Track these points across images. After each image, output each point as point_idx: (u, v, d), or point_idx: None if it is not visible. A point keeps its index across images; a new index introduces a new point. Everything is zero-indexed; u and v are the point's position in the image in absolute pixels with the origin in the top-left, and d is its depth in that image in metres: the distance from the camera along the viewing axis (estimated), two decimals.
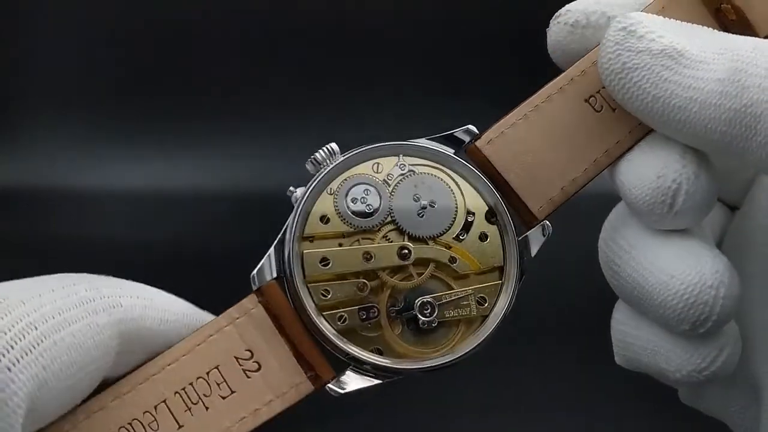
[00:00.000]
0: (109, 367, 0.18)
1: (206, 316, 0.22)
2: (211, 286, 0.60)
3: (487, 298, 0.22)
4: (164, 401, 0.19)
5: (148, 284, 0.20)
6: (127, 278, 0.63)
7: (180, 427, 0.19)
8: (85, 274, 0.18)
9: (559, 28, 0.23)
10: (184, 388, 0.19)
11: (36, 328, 0.15)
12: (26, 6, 0.71)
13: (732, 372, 0.21)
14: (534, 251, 0.23)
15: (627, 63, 0.19)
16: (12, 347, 0.15)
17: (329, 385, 0.21)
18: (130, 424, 0.18)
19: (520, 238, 0.23)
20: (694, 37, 0.19)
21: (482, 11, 0.68)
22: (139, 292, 0.19)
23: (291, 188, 0.24)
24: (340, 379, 0.21)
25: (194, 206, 0.70)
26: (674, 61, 0.18)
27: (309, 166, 0.24)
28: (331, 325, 0.21)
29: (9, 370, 0.14)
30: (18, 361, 0.15)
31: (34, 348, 0.15)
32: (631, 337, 0.23)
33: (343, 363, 0.21)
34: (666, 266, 0.21)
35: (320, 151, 0.24)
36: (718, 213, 0.26)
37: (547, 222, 0.23)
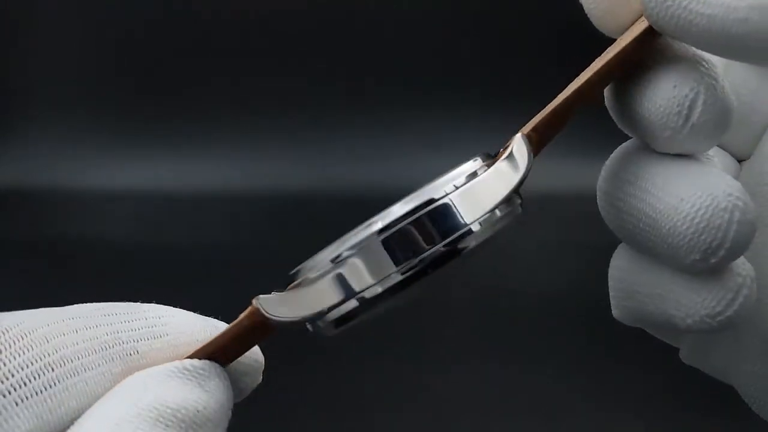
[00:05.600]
0: None
1: (219, 326, 0.22)
2: (213, 286, 0.60)
3: None
4: None
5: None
6: (127, 279, 0.63)
7: None
8: (106, 308, 0.18)
9: None
10: None
11: (52, 370, 0.15)
12: (26, 6, 0.71)
13: (747, 318, 0.20)
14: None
15: None
16: (25, 384, 0.15)
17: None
18: None
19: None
20: None
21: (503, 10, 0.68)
22: (155, 330, 0.19)
23: None
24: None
25: (196, 206, 0.70)
26: None
27: None
28: None
29: (16, 404, 0.14)
30: (27, 398, 0.15)
31: (45, 390, 0.15)
32: (635, 284, 0.21)
33: None
34: (675, 189, 0.19)
35: None
36: (727, 164, 0.24)
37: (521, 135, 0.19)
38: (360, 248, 0.16)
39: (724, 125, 0.20)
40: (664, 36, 0.20)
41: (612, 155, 0.22)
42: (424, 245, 0.16)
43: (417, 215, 0.17)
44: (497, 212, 0.17)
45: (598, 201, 0.22)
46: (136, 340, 0.17)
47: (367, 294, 0.16)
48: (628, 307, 0.22)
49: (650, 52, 0.21)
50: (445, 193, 0.17)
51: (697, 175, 0.19)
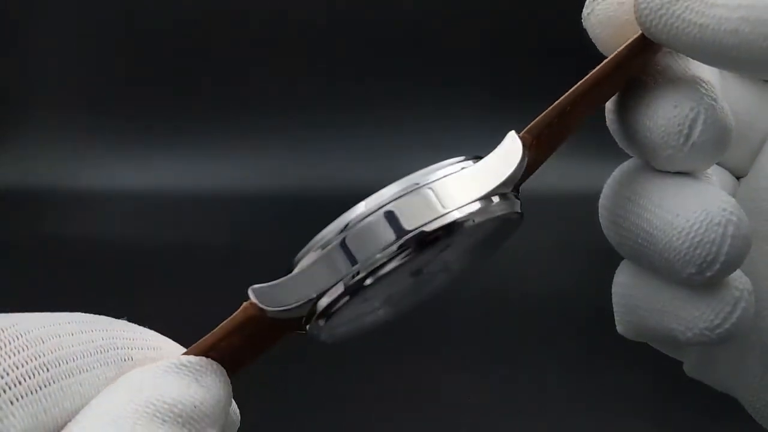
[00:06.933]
0: None
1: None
2: (213, 286, 0.60)
3: None
4: None
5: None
6: (127, 279, 0.62)
7: None
8: (102, 319, 0.18)
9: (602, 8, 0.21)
10: None
11: (47, 370, 0.15)
12: (26, 6, 0.71)
13: (746, 331, 0.20)
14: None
15: None
16: (20, 382, 0.15)
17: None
18: None
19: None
20: None
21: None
22: (149, 343, 0.19)
23: None
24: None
25: (196, 206, 0.70)
26: None
27: None
28: None
29: (11, 403, 0.14)
30: (22, 397, 0.15)
31: (40, 389, 0.15)
32: (637, 299, 0.22)
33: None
34: (672, 205, 0.19)
35: None
36: (725, 181, 0.24)
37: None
38: (346, 232, 0.16)
39: (724, 144, 0.20)
40: (661, 51, 0.20)
41: (613, 174, 0.23)
42: (407, 229, 0.16)
43: (401, 198, 0.16)
44: (488, 202, 0.17)
45: (600, 218, 0.23)
46: (130, 348, 0.17)
47: (351, 278, 0.16)
48: (631, 322, 0.23)
49: (650, 72, 0.21)
50: (431, 180, 0.17)
51: (693, 192, 0.20)
